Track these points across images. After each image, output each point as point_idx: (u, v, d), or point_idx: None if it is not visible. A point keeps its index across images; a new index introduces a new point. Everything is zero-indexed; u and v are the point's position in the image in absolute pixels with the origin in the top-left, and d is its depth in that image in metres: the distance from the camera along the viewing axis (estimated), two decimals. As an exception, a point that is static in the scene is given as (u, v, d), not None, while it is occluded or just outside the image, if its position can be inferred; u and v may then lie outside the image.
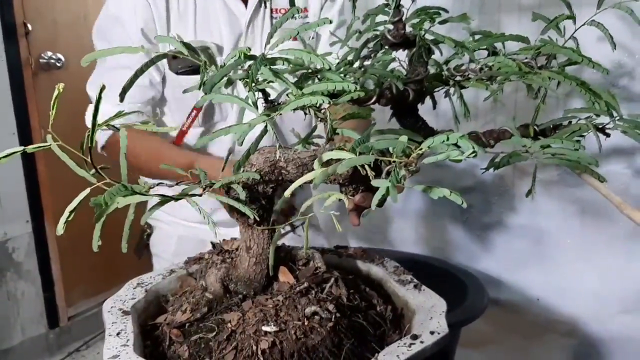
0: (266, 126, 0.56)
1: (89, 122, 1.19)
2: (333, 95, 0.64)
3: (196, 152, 1.15)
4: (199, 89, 0.59)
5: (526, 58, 0.81)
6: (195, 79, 1.17)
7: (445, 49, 0.80)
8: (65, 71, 2.50)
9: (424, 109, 0.83)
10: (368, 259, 0.92)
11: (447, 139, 0.54)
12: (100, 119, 0.62)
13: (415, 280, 0.84)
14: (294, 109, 0.58)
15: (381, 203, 0.82)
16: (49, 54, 2.46)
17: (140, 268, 1.06)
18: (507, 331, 1.44)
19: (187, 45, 0.63)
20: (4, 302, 2.43)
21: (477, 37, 0.82)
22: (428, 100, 0.83)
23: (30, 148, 0.61)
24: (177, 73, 1.18)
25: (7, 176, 2.36)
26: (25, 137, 2.38)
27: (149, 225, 1.44)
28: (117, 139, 1.12)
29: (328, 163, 0.57)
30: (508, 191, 1.35)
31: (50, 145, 0.62)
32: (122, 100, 0.62)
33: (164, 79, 1.21)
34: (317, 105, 0.59)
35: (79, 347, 2.76)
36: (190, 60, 1.18)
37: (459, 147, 0.59)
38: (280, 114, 0.62)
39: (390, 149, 0.57)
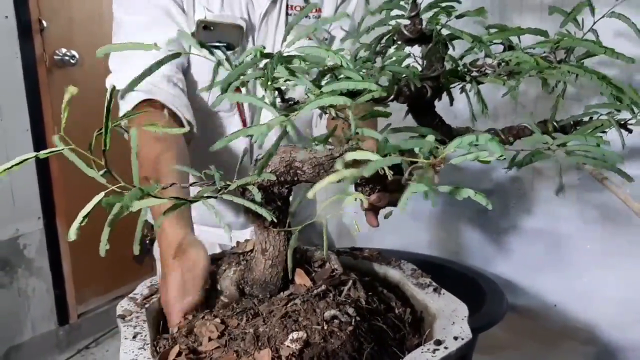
0: (286, 127, 0.54)
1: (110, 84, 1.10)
2: (352, 94, 0.62)
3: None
4: (209, 90, 0.57)
5: (544, 52, 0.79)
6: (220, 54, 1.14)
7: (458, 44, 0.78)
8: (80, 68, 2.50)
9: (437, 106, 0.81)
10: (384, 261, 0.90)
11: (477, 139, 0.52)
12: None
13: (434, 283, 0.81)
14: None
15: (395, 203, 0.80)
16: (64, 50, 2.45)
17: (150, 267, 1.03)
18: (523, 337, 1.41)
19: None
20: (15, 298, 2.43)
21: (492, 31, 0.80)
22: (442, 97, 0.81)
23: (42, 154, 0.60)
24: (203, 46, 1.13)
25: (20, 173, 2.36)
26: (38, 134, 2.38)
27: (150, 228, 1.39)
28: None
29: (350, 163, 0.55)
30: (526, 194, 1.32)
31: (62, 150, 0.60)
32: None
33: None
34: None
35: (88, 344, 2.76)
36: (222, 35, 1.14)
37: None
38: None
39: (416, 150, 0.54)
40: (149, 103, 1.00)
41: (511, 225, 1.36)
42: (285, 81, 0.55)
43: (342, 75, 0.59)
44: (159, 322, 0.76)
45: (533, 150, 0.66)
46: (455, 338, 0.67)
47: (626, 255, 1.22)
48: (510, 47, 0.82)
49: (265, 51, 0.61)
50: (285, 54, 0.62)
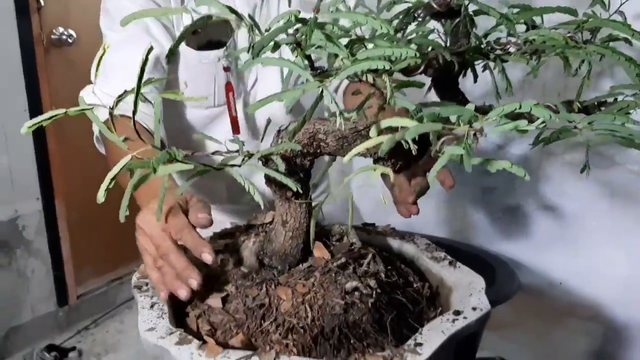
0: (322, 91, 0.53)
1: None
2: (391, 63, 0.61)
3: None
4: (248, 52, 0.56)
5: (569, 32, 0.79)
6: (216, 52, 1.14)
7: (480, 22, 0.78)
8: (77, 47, 2.47)
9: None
10: (398, 236, 0.90)
11: (520, 107, 0.52)
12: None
13: (449, 257, 0.82)
14: (347, 77, 0.56)
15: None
16: (61, 30, 2.42)
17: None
18: (528, 315, 1.42)
19: (210, 17, 0.61)
20: (14, 279, 2.43)
21: (515, 10, 0.80)
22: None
23: (71, 111, 0.59)
24: (197, 48, 1.14)
25: (18, 154, 2.35)
26: (36, 113, 2.36)
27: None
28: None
29: (383, 132, 0.55)
30: (533, 173, 1.33)
31: (90, 108, 0.60)
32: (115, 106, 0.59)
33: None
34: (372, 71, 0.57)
35: (87, 325, 2.75)
36: (211, 34, 1.15)
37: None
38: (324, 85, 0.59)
39: (453, 119, 0.54)
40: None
41: (517, 204, 1.37)
42: (317, 48, 0.54)
43: (371, 46, 0.59)
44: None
45: (560, 128, 0.66)
46: (474, 309, 0.68)
47: (633, 233, 1.23)
48: (534, 27, 0.81)
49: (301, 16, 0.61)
50: (320, 20, 0.62)
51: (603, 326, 1.29)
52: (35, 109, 2.35)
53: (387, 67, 0.54)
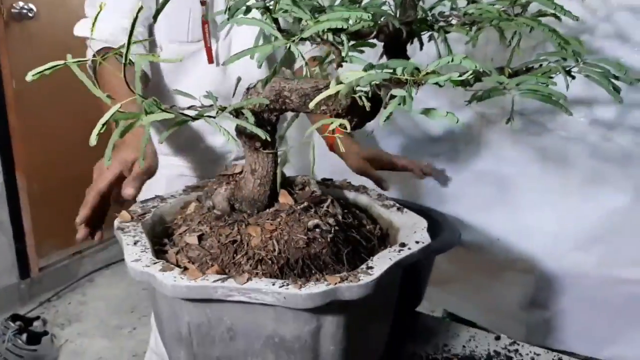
0: (289, 48, 0.63)
1: (79, 31, 1.24)
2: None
3: None
4: (225, 13, 0.65)
5: (503, 7, 0.90)
6: None
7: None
8: (37, 22, 2.49)
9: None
10: (353, 189, 1.01)
11: (452, 60, 0.62)
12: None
13: (397, 204, 0.93)
14: (305, 38, 0.65)
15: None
16: (21, 4, 2.44)
17: (110, 222, 1.04)
18: (471, 270, 1.56)
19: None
20: (-24, 251, 2.46)
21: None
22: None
23: (70, 61, 0.66)
24: None
25: (-21, 126, 2.36)
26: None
27: None
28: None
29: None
30: (474, 139, 1.45)
31: (79, 61, 0.67)
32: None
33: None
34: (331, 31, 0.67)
35: (50, 297, 2.80)
36: None
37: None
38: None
39: (399, 72, 0.64)
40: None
41: (461, 168, 1.49)
42: (284, 12, 0.64)
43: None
44: (153, 236, 0.84)
45: (490, 88, 0.78)
46: (417, 242, 0.80)
47: (560, 193, 1.36)
48: (474, 1, 0.92)
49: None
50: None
51: (535, 277, 1.43)
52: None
53: (345, 26, 0.64)
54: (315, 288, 0.66)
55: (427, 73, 0.63)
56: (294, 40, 0.64)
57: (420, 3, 0.89)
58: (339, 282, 0.67)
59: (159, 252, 0.80)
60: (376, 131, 1.61)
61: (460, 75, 0.64)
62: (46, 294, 2.80)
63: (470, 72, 0.63)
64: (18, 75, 2.38)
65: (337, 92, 0.73)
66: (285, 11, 0.69)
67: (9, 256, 2.61)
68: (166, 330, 0.78)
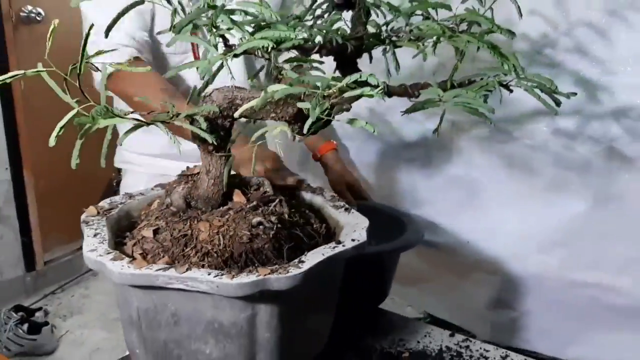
0: (222, 63, 0.70)
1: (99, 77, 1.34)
2: (279, 43, 0.78)
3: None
4: (170, 30, 0.73)
5: (451, 23, 0.96)
6: None
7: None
8: (45, 25, 2.59)
9: (380, 69, 0.97)
10: (310, 190, 1.08)
11: (360, 77, 0.69)
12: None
13: (346, 205, 1.00)
14: (243, 52, 0.73)
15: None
16: (29, 8, 2.54)
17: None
18: (441, 270, 1.62)
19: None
20: (-16, 244, 2.56)
21: (414, 3, 0.97)
22: (381, 61, 0.97)
23: (29, 72, 0.74)
24: None
25: (-12, 124, 2.47)
26: (4, 89, 2.47)
27: (117, 172, 1.58)
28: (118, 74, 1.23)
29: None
30: (446, 146, 1.51)
31: (43, 70, 0.75)
32: (106, 36, 0.75)
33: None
34: (265, 48, 0.74)
35: (54, 290, 2.90)
36: None
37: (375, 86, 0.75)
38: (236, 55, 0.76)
39: (318, 84, 0.71)
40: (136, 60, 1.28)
41: (434, 172, 1.55)
42: (228, 29, 0.71)
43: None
44: (117, 230, 0.92)
45: (425, 99, 0.84)
46: (353, 240, 0.86)
47: (524, 198, 1.42)
48: (426, 18, 0.98)
49: (213, 3, 0.78)
50: (228, 7, 0.79)
51: (501, 278, 1.49)
52: (3, 84, 2.46)
53: (271, 45, 0.71)
54: (246, 278, 0.73)
55: (344, 87, 0.70)
56: (227, 56, 0.71)
57: (377, 19, 0.96)
58: (269, 274, 0.74)
59: (118, 244, 0.88)
60: (353, 136, 1.68)
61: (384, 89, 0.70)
62: (50, 287, 2.90)
63: (379, 88, 0.70)
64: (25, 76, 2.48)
65: (287, 99, 0.81)
66: (230, 28, 0.76)
67: (16, 250, 2.72)
68: (121, 315, 0.86)
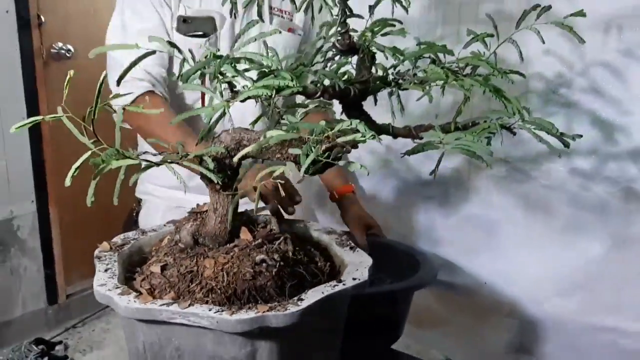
0: (223, 110, 0.77)
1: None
2: (280, 90, 0.85)
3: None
4: (177, 78, 0.80)
5: (456, 67, 1.02)
6: (198, 40, 1.45)
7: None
8: (75, 61, 2.74)
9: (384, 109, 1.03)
10: (317, 228, 1.13)
11: (351, 124, 0.75)
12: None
13: (352, 244, 1.05)
14: (246, 98, 0.80)
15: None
16: (60, 44, 2.69)
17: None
18: (458, 312, 1.64)
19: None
20: (8, 276, 2.67)
21: (422, 47, 1.03)
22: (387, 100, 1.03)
23: (48, 117, 0.82)
24: (185, 34, 1.47)
25: (16, 158, 2.60)
26: (34, 124, 2.60)
27: (137, 202, 1.68)
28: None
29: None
30: (464, 184, 1.55)
31: (61, 116, 0.83)
32: (118, 84, 0.83)
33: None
34: (267, 95, 0.81)
35: (75, 323, 2.98)
36: (198, 26, 1.45)
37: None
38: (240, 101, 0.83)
39: (317, 130, 0.77)
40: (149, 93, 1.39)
41: (451, 211, 1.59)
42: (233, 77, 0.78)
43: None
44: (128, 265, 0.98)
45: (425, 142, 0.89)
46: (354, 279, 0.91)
47: (541, 239, 1.44)
48: (433, 61, 1.04)
49: (219, 54, 0.85)
50: (236, 56, 0.86)
51: (519, 322, 1.51)
52: (33, 116, 2.60)
53: (269, 94, 0.77)
54: (245, 315, 0.79)
55: (338, 132, 0.76)
56: (230, 103, 0.79)
57: (387, 61, 1.02)
58: (267, 311, 0.79)
59: (128, 279, 0.94)
60: (370, 174, 1.74)
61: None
62: (72, 321, 2.99)
63: (370, 134, 0.75)
64: (55, 110, 2.62)
65: (291, 141, 0.88)
66: (234, 76, 0.83)
67: (39, 282, 2.82)
68: (129, 348, 0.92)
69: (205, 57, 0.83)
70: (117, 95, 0.90)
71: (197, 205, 1.06)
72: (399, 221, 1.71)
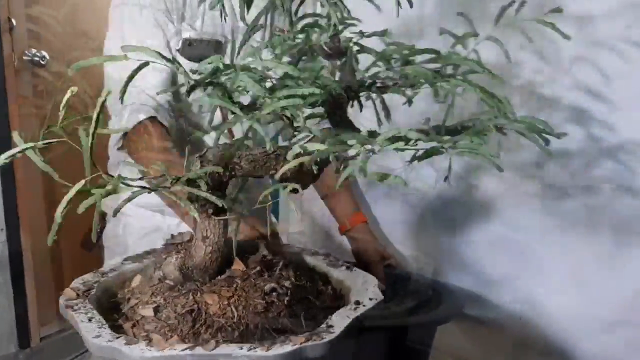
0: (250, 126, 0.81)
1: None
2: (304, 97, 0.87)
3: None
4: (187, 93, 0.84)
5: (437, 68, 1.04)
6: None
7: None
8: (49, 69, 2.77)
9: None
10: (309, 252, 1.18)
11: (399, 132, 0.78)
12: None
13: (347, 264, 1.12)
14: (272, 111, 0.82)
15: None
16: (33, 51, 2.73)
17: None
18: (488, 350, 1.64)
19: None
20: (-26, 314, 2.67)
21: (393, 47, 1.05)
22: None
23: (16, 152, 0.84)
24: (189, 59, 1.53)
25: (-16, 183, 2.61)
26: (3, 135, 2.62)
27: (102, 218, 1.71)
28: (139, 135, 1.43)
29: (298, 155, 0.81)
30: (489, 203, 1.57)
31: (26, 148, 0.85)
32: (122, 99, 0.87)
33: None
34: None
35: (50, 371, 2.98)
36: (203, 49, 1.50)
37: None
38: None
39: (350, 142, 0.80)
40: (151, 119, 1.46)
41: (476, 234, 1.61)
42: (243, 89, 0.81)
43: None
44: (101, 312, 0.98)
45: (429, 148, 0.91)
46: (370, 299, 0.96)
47: (583, 265, 1.45)
48: (407, 63, 1.06)
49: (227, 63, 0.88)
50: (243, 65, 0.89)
51: (555, 359, 1.51)
52: (2, 130, 2.61)
53: (300, 103, 0.80)
54: (281, 349, 0.81)
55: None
56: (256, 118, 0.82)
57: (358, 66, 1.04)
58: (304, 342, 0.82)
59: (113, 328, 0.94)
60: (391, 191, 1.76)
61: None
62: (46, 367, 2.99)
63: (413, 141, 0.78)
64: (26, 123, 2.65)
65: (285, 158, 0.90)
66: (244, 89, 0.86)
67: (8, 322, 2.81)
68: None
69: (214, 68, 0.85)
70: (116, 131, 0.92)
71: (172, 236, 1.08)
72: (417, 248, 1.73)
